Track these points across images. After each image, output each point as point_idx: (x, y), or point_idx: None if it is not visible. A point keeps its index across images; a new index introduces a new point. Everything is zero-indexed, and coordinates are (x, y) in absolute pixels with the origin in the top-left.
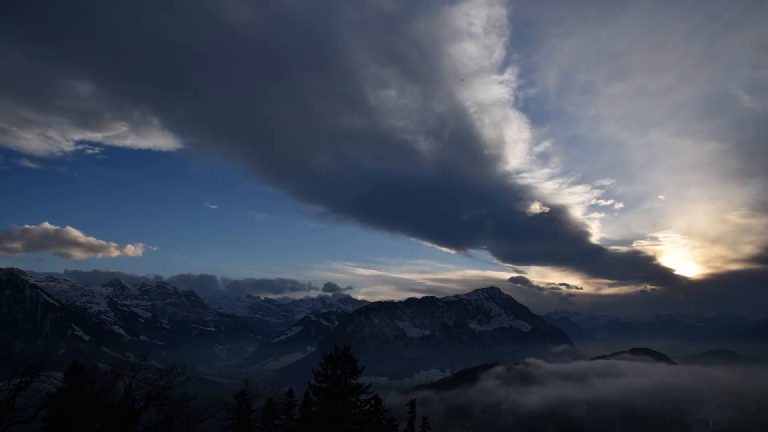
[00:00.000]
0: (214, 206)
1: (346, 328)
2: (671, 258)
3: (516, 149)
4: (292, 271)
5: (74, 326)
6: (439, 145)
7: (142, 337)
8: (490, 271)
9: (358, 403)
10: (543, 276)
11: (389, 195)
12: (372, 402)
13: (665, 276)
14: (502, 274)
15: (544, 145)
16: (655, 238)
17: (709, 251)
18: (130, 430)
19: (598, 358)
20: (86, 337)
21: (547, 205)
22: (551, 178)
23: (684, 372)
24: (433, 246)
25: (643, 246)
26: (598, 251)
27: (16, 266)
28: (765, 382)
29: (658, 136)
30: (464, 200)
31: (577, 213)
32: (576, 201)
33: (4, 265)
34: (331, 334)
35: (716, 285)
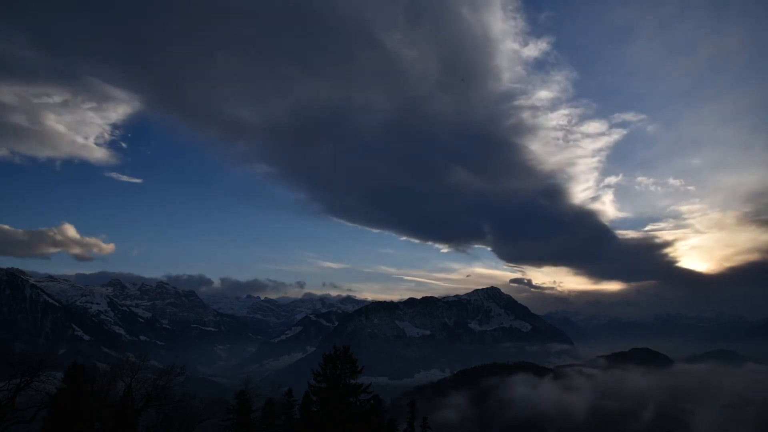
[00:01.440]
0: (125, 178)
1: (346, 328)
2: (691, 244)
3: (503, 50)
4: (239, 266)
5: (74, 326)
6: (398, 36)
7: (142, 337)
8: (478, 267)
9: (358, 403)
10: (543, 275)
11: (337, 144)
12: (372, 402)
13: (675, 272)
14: (497, 272)
15: (541, 47)
16: (676, 216)
17: (739, 237)
18: (130, 430)
19: (598, 358)
20: (86, 337)
21: (552, 167)
22: (556, 106)
23: (684, 372)
24: (417, 241)
25: (660, 227)
26: (606, 235)
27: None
28: (765, 382)
29: (716, 50)
30: (440, 151)
31: (588, 180)
32: (589, 150)
33: (3, 265)
34: (331, 334)
35: (729, 281)
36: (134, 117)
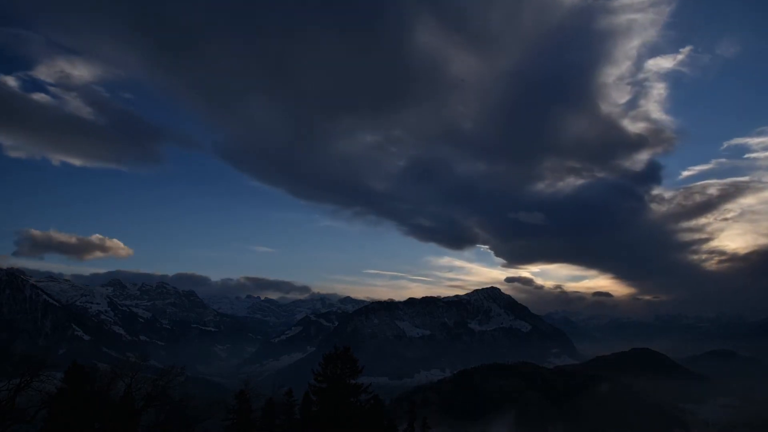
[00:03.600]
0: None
1: (346, 328)
2: (743, 204)
3: None
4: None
5: (74, 326)
6: None
7: (142, 337)
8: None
9: (358, 404)
10: (543, 273)
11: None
12: (372, 402)
13: (696, 269)
14: (487, 268)
15: None
16: (738, 153)
17: None
18: (130, 430)
19: (598, 358)
20: (86, 337)
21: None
22: None
23: (684, 372)
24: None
25: (710, 168)
26: (634, 197)
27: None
28: (765, 382)
29: None
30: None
31: (628, 57)
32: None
33: (4, 265)
34: (331, 334)
35: (750, 272)
36: None
